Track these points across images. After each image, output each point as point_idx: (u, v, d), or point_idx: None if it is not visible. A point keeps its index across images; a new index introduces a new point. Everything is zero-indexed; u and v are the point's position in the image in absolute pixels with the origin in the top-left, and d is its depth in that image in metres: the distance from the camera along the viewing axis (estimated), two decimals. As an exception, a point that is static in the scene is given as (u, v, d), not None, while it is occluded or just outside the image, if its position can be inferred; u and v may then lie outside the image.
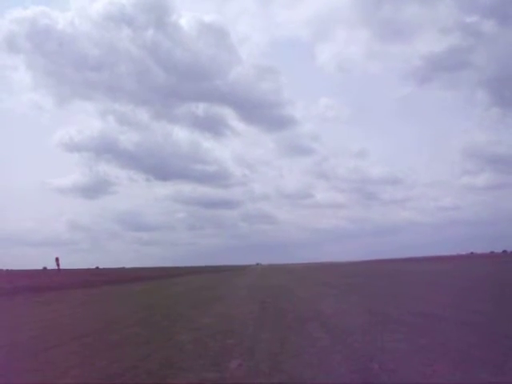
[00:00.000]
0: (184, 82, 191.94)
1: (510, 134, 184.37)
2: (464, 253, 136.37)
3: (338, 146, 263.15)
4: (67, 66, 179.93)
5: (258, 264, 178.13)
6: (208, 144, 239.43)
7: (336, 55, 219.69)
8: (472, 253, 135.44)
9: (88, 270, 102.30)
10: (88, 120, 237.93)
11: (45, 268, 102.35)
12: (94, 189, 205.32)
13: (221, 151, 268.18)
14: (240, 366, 6.61)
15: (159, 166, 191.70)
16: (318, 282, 29.92)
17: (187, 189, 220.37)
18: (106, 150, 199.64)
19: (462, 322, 9.78)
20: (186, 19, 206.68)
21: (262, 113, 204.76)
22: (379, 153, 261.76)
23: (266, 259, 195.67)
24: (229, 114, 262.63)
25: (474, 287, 19.92)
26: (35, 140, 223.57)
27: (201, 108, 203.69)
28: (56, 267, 71.33)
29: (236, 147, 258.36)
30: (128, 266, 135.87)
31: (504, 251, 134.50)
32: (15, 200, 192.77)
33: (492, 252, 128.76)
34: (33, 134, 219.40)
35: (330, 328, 9.72)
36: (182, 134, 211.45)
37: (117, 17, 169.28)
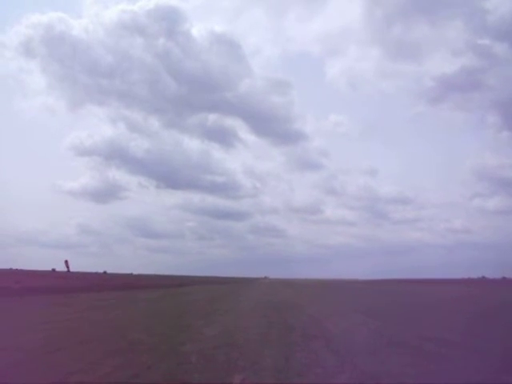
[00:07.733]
0: (195, 92, 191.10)
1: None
2: (475, 277, 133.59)
3: (348, 162, 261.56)
4: (80, 71, 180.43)
5: (265, 277, 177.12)
6: (218, 155, 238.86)
7: (347, 72, 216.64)
8: (483, 277, 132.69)
9: (96, 274, 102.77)
10: (99, 125, 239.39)
11: (53, 269, 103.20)
12: (104, 193, 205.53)
13: (231, 162, 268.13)
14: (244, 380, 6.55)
15: (169, 175, 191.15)
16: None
17: (197, 198, 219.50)
18: (116, 155, 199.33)
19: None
20: (197, 29, 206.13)
21: (273, 126, 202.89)
22: (389, 171, 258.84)
23: (273, 273, 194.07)
24: (239, 126, 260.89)
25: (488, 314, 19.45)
26: (47, 142, 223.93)
27: (211, 119, 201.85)
28: (65, 269, 71.77)
29: (246, 159, 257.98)
30: (136, 272, 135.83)
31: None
32: (26, 201, 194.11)
33: (504, 278, 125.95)
34: (45, 136, 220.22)
35: (336, 347, 9.57)
36: (192, 144, 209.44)
37: (129, 25, 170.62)
